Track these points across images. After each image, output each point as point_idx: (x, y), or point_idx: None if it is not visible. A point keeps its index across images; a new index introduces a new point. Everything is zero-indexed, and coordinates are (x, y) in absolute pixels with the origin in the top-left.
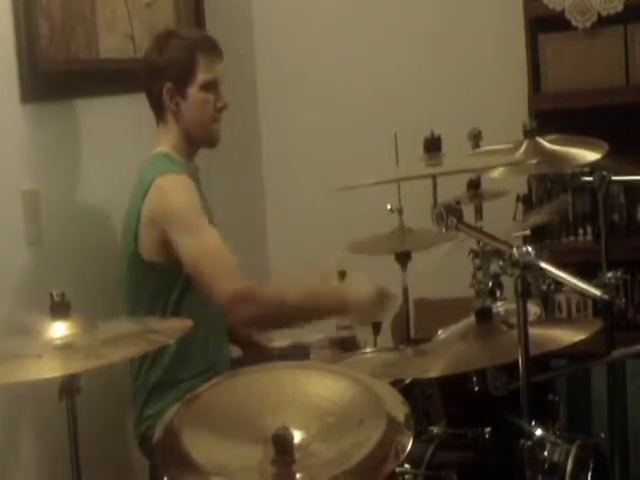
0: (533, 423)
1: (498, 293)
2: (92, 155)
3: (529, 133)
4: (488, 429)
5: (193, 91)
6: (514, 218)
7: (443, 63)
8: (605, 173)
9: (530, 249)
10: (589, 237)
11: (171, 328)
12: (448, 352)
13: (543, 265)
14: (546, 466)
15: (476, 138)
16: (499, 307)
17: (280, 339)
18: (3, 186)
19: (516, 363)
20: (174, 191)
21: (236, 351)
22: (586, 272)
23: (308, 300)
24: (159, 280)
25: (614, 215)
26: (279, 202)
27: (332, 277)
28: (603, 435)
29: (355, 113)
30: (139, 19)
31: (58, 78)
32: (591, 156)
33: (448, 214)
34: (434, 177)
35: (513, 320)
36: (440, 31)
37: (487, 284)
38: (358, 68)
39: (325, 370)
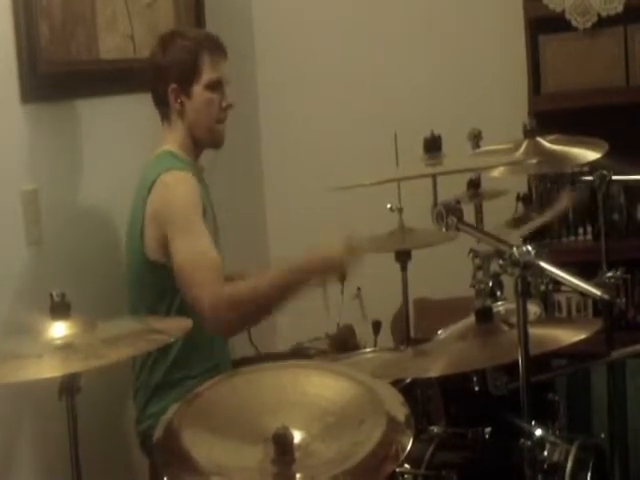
0: (533, 423)
1: (498, 293)
2: (92, 155)
3: (529, 133)
4: (488, 429)
5: (198, 90)
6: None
7: (443, 63)
8: (605, 173)
9: (530, 248)
10: (589, 237)
11: (171, 328)
12: (448, 352)
13: (543, 265)
14: (546, 466)
15: (476, 138)
16: (499, 307)
17: (280, 344)
18: (3, 186)
19: (516, 363)
20: (177, 188)
21: (235, 353)
22: (586, 272)
23: (277, 281)
24: (164, 280)
25: (614, 215)
26: (279, 202)
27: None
28: (603, 435)
29: (355, 113)
30: (139, 19)
31: (58, 78)
32: (591, 156)
33: (448, 213)
34: (434, 177)
35: (513, 320)
36: (440, 31)
37: (487, 284)
38: (358, 68)
39: (325, 370)
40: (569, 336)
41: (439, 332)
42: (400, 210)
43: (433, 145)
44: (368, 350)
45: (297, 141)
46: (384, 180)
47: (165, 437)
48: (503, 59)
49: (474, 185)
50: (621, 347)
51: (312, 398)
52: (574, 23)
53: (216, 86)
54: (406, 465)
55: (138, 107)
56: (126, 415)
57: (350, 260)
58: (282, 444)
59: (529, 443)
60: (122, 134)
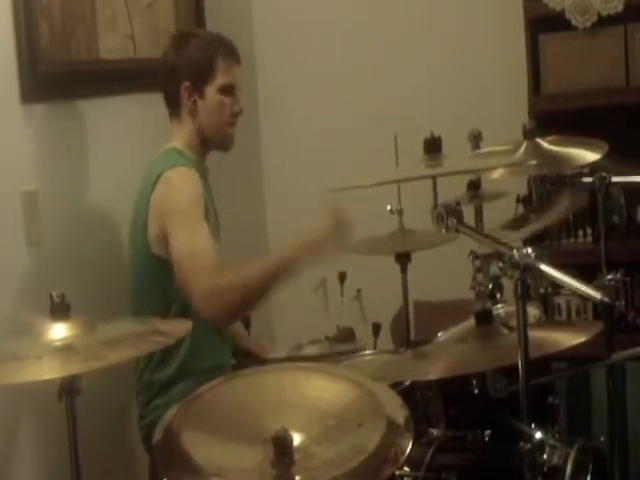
0: (533, 426)
1: (498, 295)
2: (92, 155)
3: (529, 134)
4: (488, 432)
5: (211, 91)
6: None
7: (443, 64)
8: (605, 174)
9: (530, 251)
10: (589, 239)
11: (172, 329)
12: (448, 354)
13: (543, 267)
14: (545, 469)
15: (476, 139)
16: (499, 309)
17: (277, 350)
18: (3, 186)
19: (516, 366)
20: (180, 184)
21: None
22: (586, 274)
23: (268, 265)
24: (167, 275)
25: (614, 216)
26: (279, 202)
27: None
28: (603, 438)
29: (355, 114)
30: (139, 19)
31: (58, 78)
32: (591, 157)
33: (448, 215)
34: (434, 178)
35: (513, 322)
36: (440, 31)
37: (487, 286)
38: (358, 68)
39: (325, 372)
40: (569, 339)
41: (439, 334)
42: (400, 212)
43: (433, 146)
44: (368, 352)
45: (297, 141)
46: (384, 181)
47: (165, 438)
48: (503, 59)
49: (474, 186)
50: (621, 350)
51: (312, 400)
52: (574, 22)
53: (230, 91)
54: (406, 468)
55: (138, 107)
56: (126, 416)
57: (339, 233)
58: (282, 446)
59: (529, 446)
60: (122, 134)
